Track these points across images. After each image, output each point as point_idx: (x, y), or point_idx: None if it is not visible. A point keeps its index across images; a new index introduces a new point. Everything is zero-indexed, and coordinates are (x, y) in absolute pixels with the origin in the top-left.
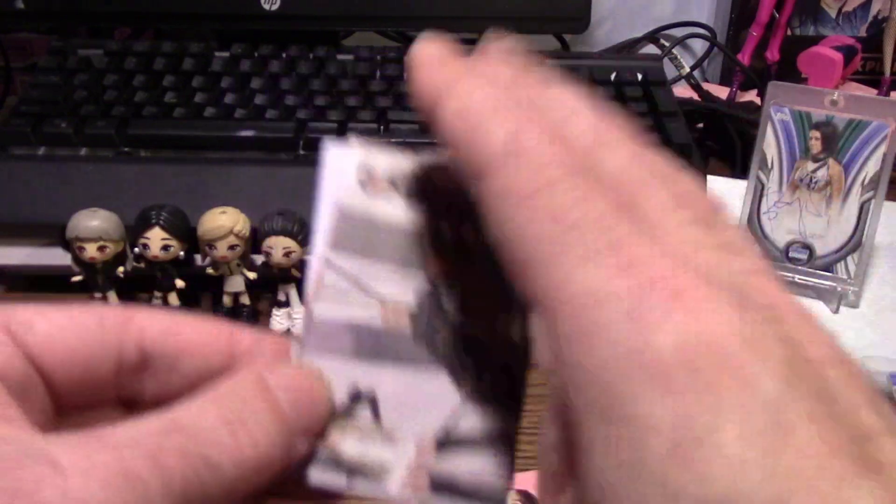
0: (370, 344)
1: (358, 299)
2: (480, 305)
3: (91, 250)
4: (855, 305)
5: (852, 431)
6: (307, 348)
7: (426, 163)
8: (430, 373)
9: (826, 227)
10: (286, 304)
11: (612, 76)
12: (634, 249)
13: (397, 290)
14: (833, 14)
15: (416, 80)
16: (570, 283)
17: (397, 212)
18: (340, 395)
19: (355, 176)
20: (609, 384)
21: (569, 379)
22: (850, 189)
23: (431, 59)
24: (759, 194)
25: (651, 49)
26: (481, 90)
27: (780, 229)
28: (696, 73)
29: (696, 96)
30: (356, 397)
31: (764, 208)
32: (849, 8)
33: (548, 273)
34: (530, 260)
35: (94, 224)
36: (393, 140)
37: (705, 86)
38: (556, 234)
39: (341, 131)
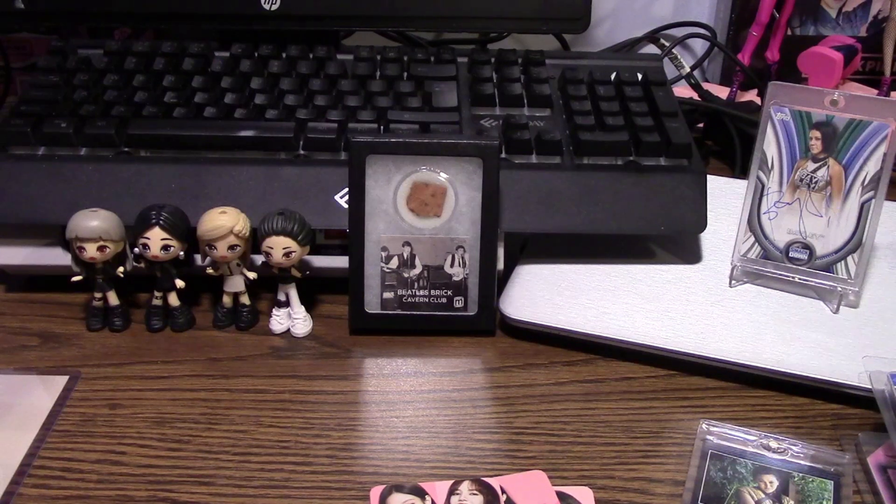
0: None
1: None
2: None
3: (91, 250)
4: (855, 305)
5: None
6: None
7: None
8: None
9: (826, 227)
10: (286, 304)
11: (612, 76)
12: None
13: None
14: (833, 14)
15: None
16: None
17: None
18: None
19: None
20: None
21: None
22: (850, 189)
23: None
24: (759, 194)
25: (651, 49)
26: None
27: (780, 229)
28: (696, 73)
29: (696, 96)
30: None
31: (764, 208)
32: (849, 8)
33: None
34: None
35: (94, 224)
36: (393, 140)
37: (705, 86)
38: None
39: (341, 131)
